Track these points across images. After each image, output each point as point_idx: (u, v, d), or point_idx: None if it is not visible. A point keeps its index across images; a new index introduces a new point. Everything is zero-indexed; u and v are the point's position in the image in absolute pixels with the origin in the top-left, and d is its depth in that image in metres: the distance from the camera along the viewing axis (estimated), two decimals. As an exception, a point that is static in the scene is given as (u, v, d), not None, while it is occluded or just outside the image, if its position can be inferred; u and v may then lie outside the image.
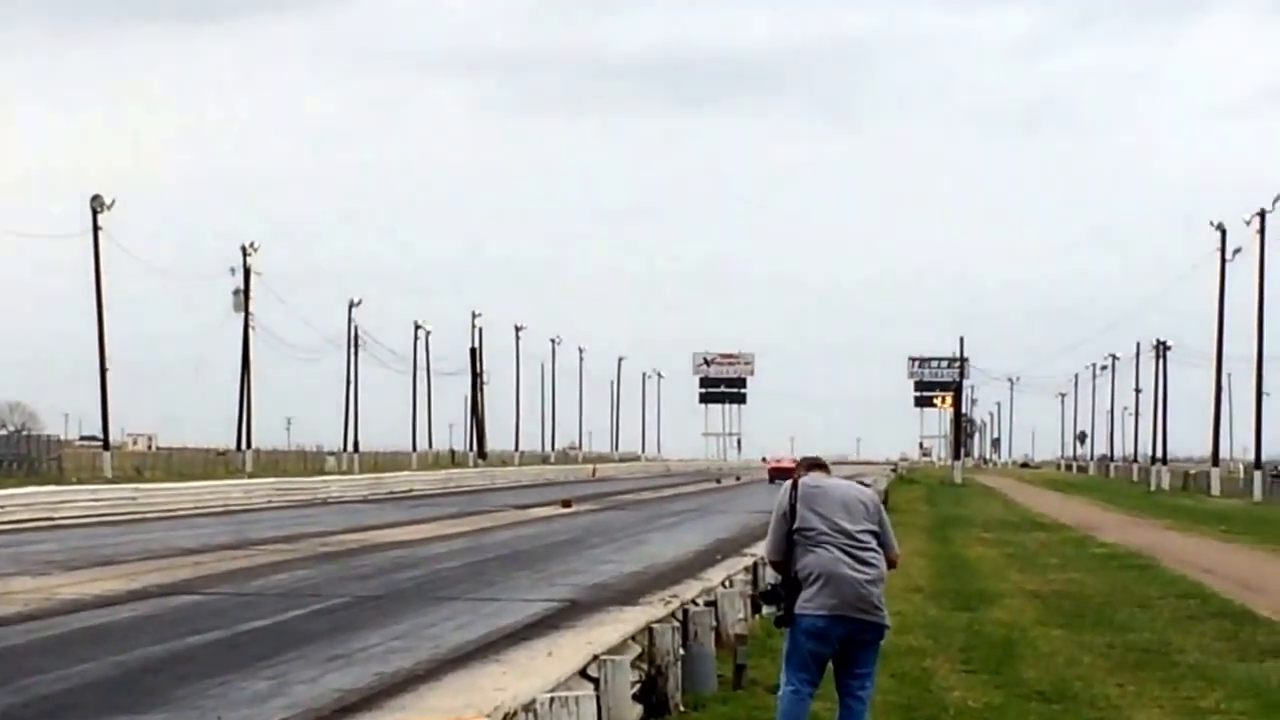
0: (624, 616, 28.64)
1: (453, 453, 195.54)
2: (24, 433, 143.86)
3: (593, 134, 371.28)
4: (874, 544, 14.97)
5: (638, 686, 17.08)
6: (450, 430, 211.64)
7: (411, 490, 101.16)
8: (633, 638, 18.69)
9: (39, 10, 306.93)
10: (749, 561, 30.05)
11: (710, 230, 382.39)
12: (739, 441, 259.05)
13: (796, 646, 14.90)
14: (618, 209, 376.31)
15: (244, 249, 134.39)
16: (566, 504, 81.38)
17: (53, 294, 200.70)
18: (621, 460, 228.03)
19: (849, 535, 14.88)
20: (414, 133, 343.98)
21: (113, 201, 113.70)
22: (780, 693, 15.04)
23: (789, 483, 15.23)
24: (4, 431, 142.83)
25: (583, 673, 15.55)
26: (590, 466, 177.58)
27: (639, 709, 16.78)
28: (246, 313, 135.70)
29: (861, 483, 18.32)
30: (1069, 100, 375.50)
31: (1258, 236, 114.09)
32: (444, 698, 20.70)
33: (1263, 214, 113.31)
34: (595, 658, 16.18)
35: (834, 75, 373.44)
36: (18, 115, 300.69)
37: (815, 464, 15.63)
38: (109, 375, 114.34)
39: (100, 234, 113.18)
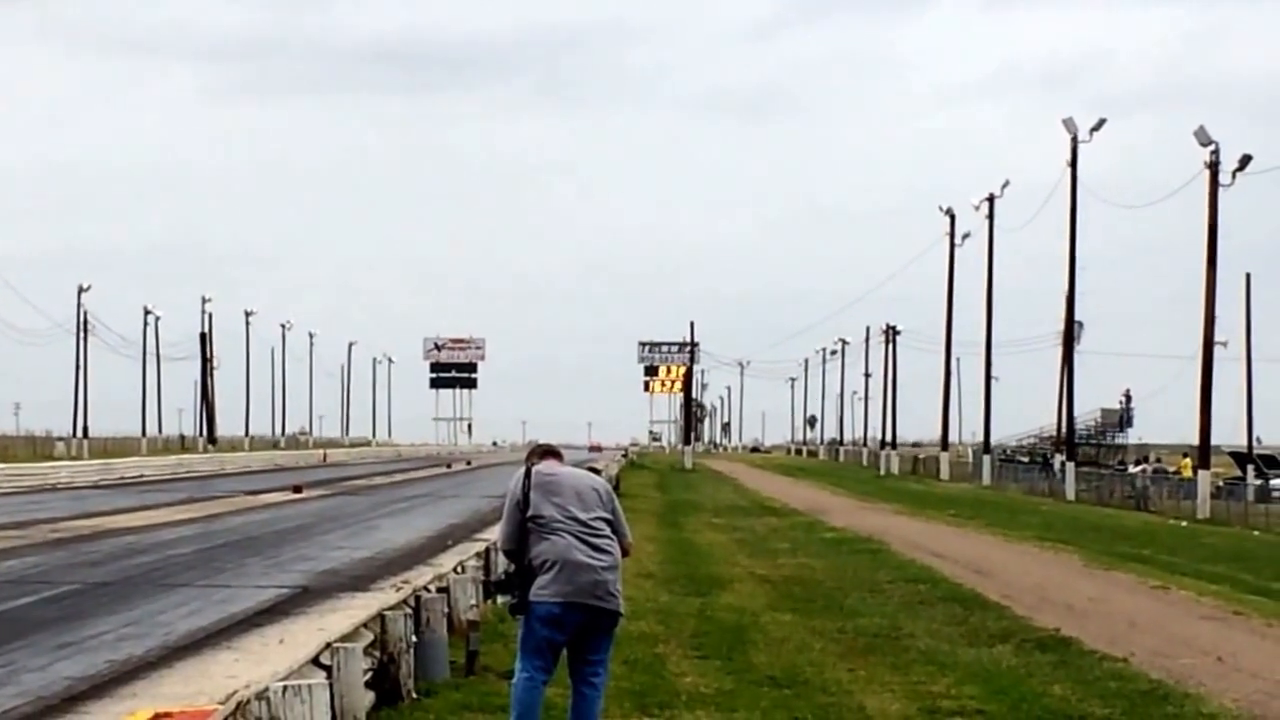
0: (356, 603, 28.61)
1: (183, 438, 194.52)
2: None
3: (325, 119, 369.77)
4: (608, 531, 15.04)
5: (370, 674, 17.06)
6: (180, 415, 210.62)
7: (142, 476, 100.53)
8: (365, 625, 18.64)
9: None
10: (481, 547, 30.06)
11: (442, 216, 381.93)
12: (469, 426, 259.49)
13: (531, 633, 14.92)
14: (347, 195, 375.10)
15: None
16: (298, 489, 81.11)
17: None
18: (352, 445, 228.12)
19: (582, 523, 14.90)
20: (143, 117, 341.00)
21: None
22: (514, 680, 15.05)
23: (522, 470, 15.24)
24: None
25: (315, 660, 15.50)
26: (321, 451, 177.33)
27: (371, 696, 16.76)
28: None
29: (593, 469, 18.49)
30: (801, 86, 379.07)
31: (986, 222, 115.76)
32: (176, 685, 20.59)
33: (991, 199, 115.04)
34: (328, 645, 16.12)
35: (564, 61, 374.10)
36: None
37: (549, 451, 15.67)
38: None
39: None
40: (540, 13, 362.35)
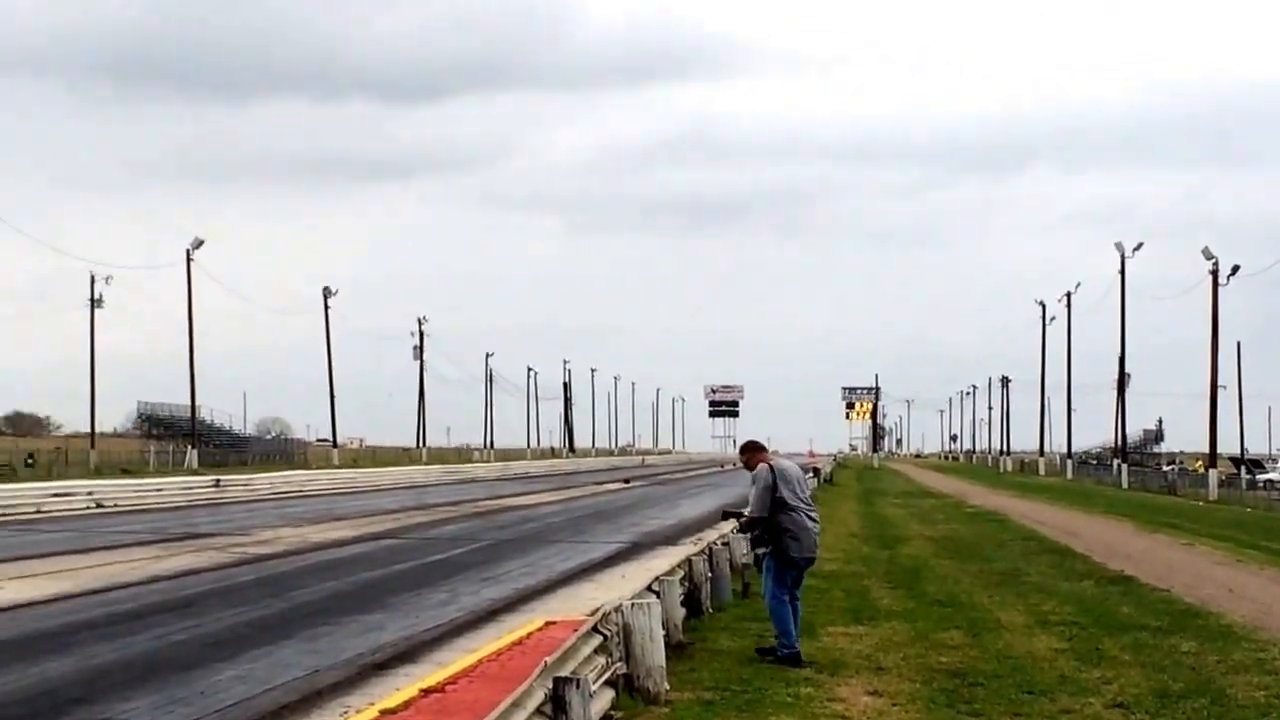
0: (669, 552, 28.61)
1: (552, 449, 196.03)
2: (282, 436, 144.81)
3: (636, 244, 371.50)
4: (815, 507, 15.22)
5: (683, 596, 17.02)
6: (550, 434, 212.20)
7: (528, 473, 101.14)
8: (678, 565, 18.63)
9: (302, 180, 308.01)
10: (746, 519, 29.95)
11: (717, 307, 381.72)
12: (734, 441, 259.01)
13: (783, 573, 14.86)
14: (655, 294, 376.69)
15: (419, 320, 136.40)
16: (627, 481, 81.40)
17: (296, 350, 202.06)
18: (660, 453, 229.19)
19: (805, 503, 14.95)
20: (528, 246, 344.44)
21: (337, 290, 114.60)
22: (771, 601, 14.92)
23: (766, 466, 15.08)
24: (270, 435, 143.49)
25: (649, 588, 15.48)
26: (641, 457, 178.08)
27: (683, 611, 16.72)
28: (421, 361, 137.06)
29: (815, 469, 18.49)
30: (943, 224, 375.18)
31: (1065, 309, 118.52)
32: (557, 604, 20.70)
33: (1069, 294, 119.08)
34: (657, 578, 16.10)
35: (790, 209, 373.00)
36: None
37: (757, 446, 15.59)
38: (336, 400, 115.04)
39: (329, 312, 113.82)
40: (771, 178, 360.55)
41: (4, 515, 41.95)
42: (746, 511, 15.80)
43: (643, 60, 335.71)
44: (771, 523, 14.85)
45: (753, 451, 15.42)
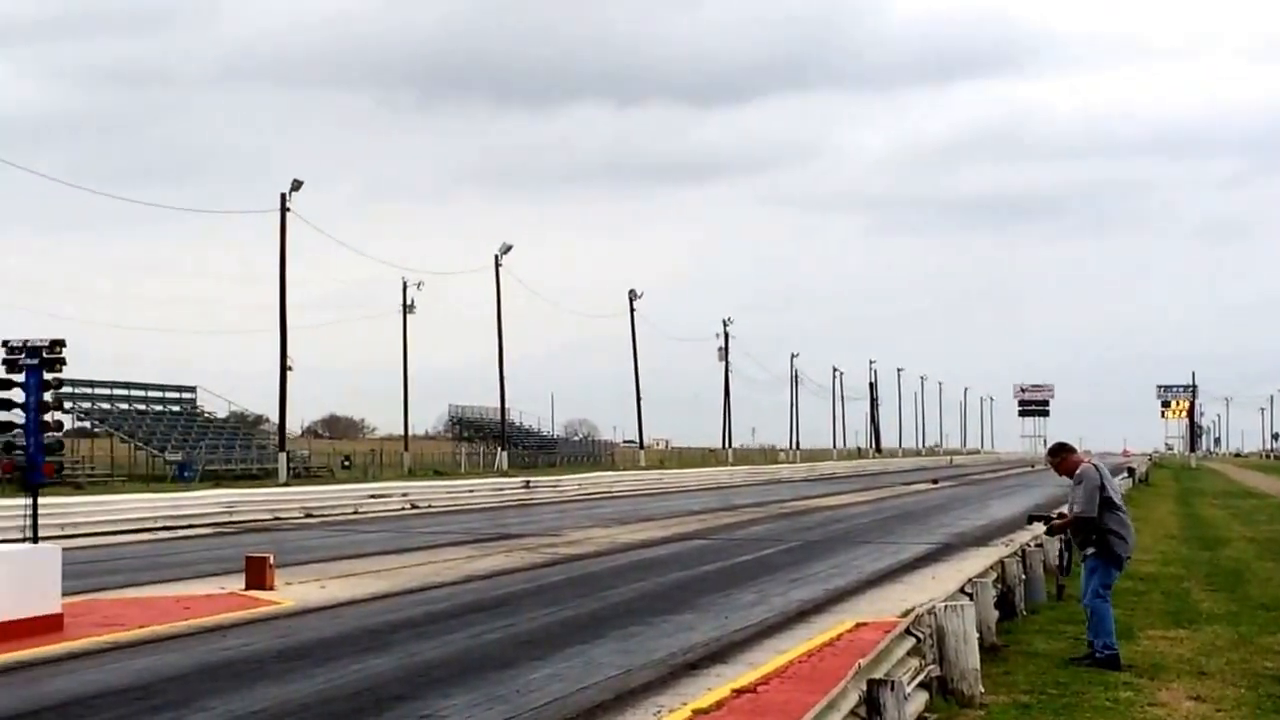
0: (981, 554, 28.35)
1: (859, 449, 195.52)
2: (589, 438, 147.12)
3: (950, 249, 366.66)
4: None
5: (996, 598, 16.85)
6: (856, 434, 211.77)
7: (834, 473, 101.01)
8: (991, 567, 18.44)
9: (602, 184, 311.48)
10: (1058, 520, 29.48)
11: (1027, 305, 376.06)
12: (1045, 441, 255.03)
13: (1110, 573, 14.59)
14: (953, 293, 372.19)
15: (724, 321, 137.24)
16: (935, 482, 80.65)
17: (603, 352, 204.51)
18: (969, 453, 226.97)
19: (1123, 501, 14.79)
20: (829, 248, 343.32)
21: (643, 293, 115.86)
22: (1095, 601, 14.55)
23: (1091, 465, 14.84)
24: (577, 437, 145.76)
25: (962, 589, 15.37)
26: (948, 457, 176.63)
27: (997, 613, 16.54)
28: (726, 362, 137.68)
29: (1114, 467, 18.19)
30: (1260, 215, 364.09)
31: None
32: (868, 605, 20.63)
33: None
34: (970, 580, 15.98)
35: (1102, 205, 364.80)
36: (584, 244, 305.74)
37: (1067, 447, 15.28)
38: (642, 401, 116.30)
39: (635, 315, 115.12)
40: (1083, 173, 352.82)
41: (325, 516, 43.40)
42: (1063, 511, 15.61)
43: (949, 57, 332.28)
44: (1098, 522, 14.63)
45: (1063, 453, 15.17)
